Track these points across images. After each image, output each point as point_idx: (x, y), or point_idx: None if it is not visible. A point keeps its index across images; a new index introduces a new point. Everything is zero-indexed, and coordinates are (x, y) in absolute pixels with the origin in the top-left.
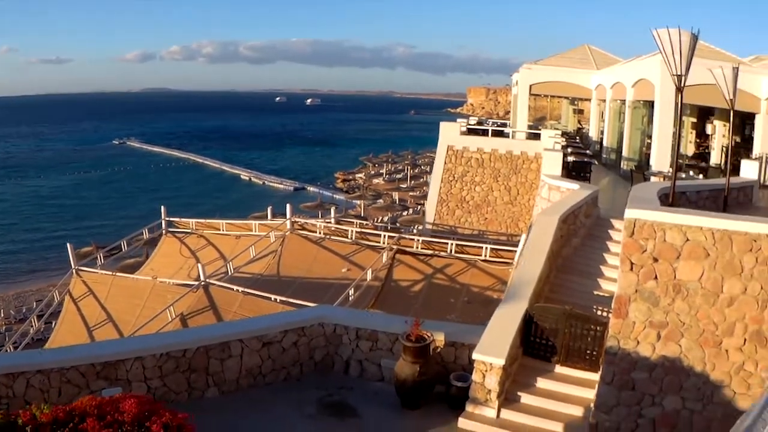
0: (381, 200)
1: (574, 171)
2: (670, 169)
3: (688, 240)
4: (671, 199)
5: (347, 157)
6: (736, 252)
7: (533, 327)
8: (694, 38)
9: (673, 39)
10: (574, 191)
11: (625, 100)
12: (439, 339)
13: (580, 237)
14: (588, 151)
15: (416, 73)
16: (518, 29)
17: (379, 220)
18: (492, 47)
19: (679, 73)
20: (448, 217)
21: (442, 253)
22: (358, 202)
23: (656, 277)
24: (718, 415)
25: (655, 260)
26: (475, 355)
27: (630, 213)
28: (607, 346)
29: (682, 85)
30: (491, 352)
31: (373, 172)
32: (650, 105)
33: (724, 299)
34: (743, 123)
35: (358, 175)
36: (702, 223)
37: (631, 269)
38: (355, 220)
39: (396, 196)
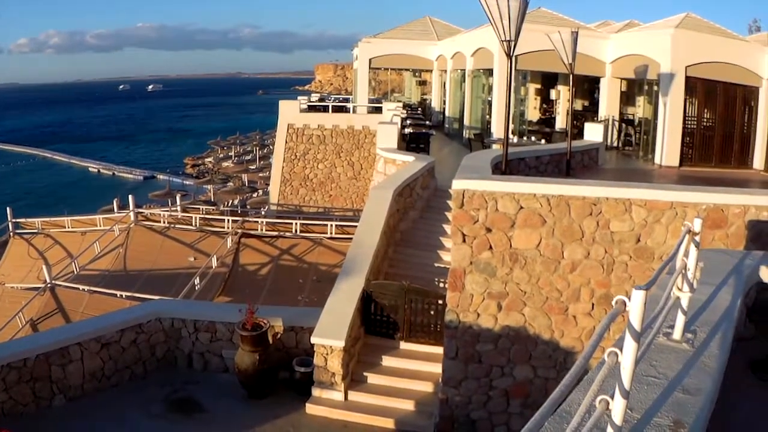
0: (231, 183)
1: (412, 143)
2: (511, 137)
3: (522, 208)
4: (504, 166)
5: (195, 142)
6: (574, 217)
7: (372, 305)
8: (524, 3)
9: (501, 5)
10: (410, 163)
11: (465, 70)
12: (278, 325)
13: (418, 209)
14: (427, 122)
15: (263, 53)
16: (365, 4)
17: (229, 204)
18: (339, 24)
19: (508, 39)
20: (293, 196)
21: (288, 234)
22: (208, 186)
23: (491, 248)
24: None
25: (489, 230)
26: (314, 339)
27: (458, 184)
28: (446, 320)
29: (513, 50)
30: (330, 334)
31: (221, 156)
32: (490, 73)
33: (566, 265)
34: (593, 87)
35: (207, 160)
36: (535, 189)
37: (464, 241)
38: (202, 207)
39: (245, 178)
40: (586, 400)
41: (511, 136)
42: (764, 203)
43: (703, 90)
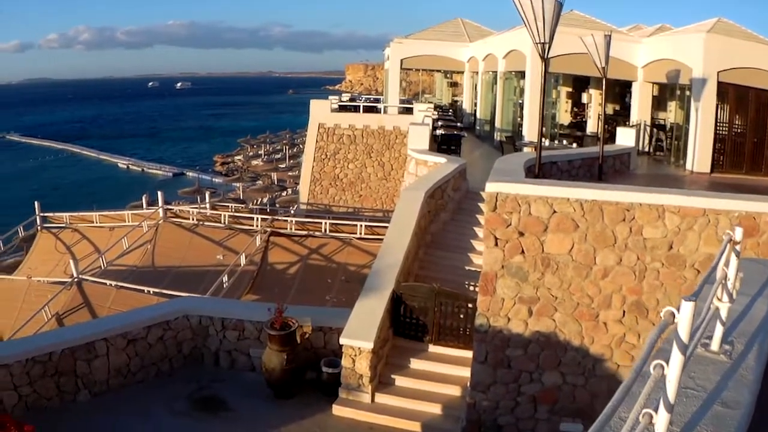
0: (260, 182)
1: (444, 144)
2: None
3: (555, 212)
4: (537, 170)
5: (224, 140)
6: (608, 223)
7: (402, 307)
8: (559, 5)
9: (536, 7)
10: (441, 165)
11: (497, 72)
12: (306, 325)
13: (450, 212)
14: (459, 124)
15: (294, 53)
16: (395, 4)
17: (258, 202)
18: (369, 24)
19: (542, 41)
20: (322, 196)
21: (317, 233)
22: (237, 184)
23: (523, 252)
24: (603, 389)
25: (521, 234)
26: (342, 340)
27: (491, 186)
28: (476, 324)
29: (547, 53)
30: (359, 335)
31: (251, 154)
32: (522, 76)
33: (597, 271)
34: (624, 92)
35: (236, 158)
36: (569, 194)
37: (496, 244)
38: (231, 204)
39: (275, 176)
40: (632, 414)
41: (543, 139)
42: None
43: (734, 96)
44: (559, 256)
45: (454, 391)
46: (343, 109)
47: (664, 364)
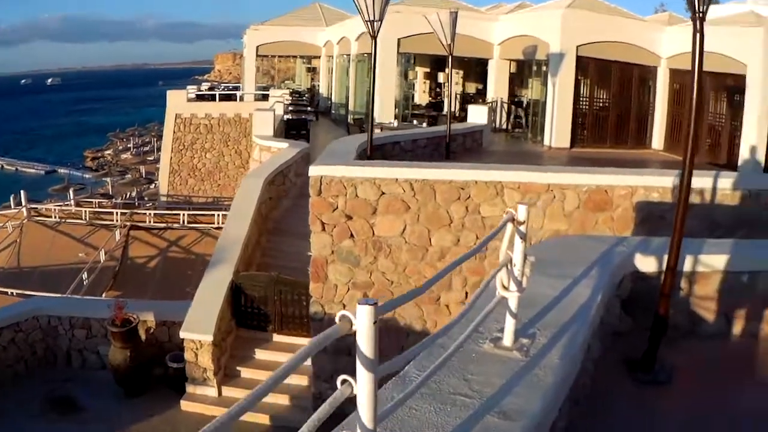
0: (129, 175)
1: (292, 129)
2: (393, 121)
3: (383, 194)
4: (369, 150)
5: (98, 135)
6: (441, 202)
7: (242, 297)
8: None
9: None
10: (284, 150)
11: (350, 55)
12: (149, 319)
13: (292, 197)
14: (309, 108)
15: (168, 44)
16: None
17: (126, 196)
18: (240, 12)
19: (372, 18)
20: (182, 187)
21: (176, 225)
22: (107, 179)
23: (353, 236)
24: None
25: (349, 218)
26: (182, 334)
27: (314, 170)
28: (311, 312)
29: (376, 31)
30: (198, 328)
31: (120, 148)
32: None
33: (434, 253)
34: (485, 70)
35: (106, 152)
36: (397, 174)
37: (324, 229)
38: (95, 200)
39: (143, 169)
40: None
41: (392, 120)
42: (653, 183)
43: (596, 70)
44: (392, 239)
45: (301, 381)
46: (200, 98)
47: (352, 381)
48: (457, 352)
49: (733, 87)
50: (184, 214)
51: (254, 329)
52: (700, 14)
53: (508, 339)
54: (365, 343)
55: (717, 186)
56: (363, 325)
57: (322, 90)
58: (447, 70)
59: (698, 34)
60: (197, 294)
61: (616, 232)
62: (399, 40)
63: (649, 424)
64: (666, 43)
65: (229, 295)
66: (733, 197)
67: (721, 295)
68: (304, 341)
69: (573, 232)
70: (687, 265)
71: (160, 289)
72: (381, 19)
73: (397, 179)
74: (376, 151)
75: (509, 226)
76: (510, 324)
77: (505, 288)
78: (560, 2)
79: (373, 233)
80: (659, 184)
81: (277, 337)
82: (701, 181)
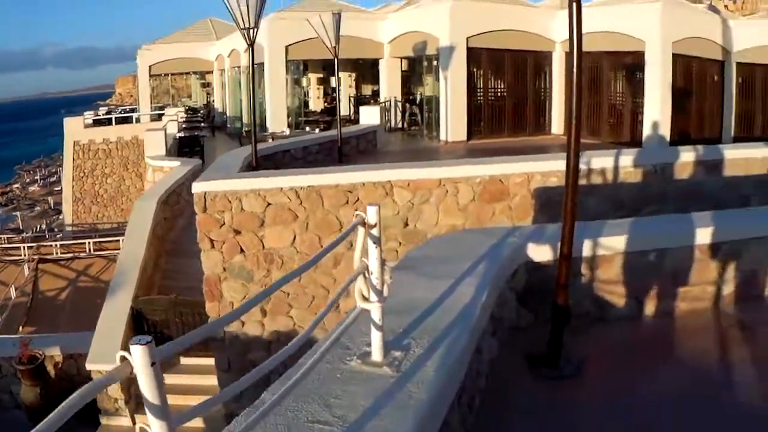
0: (38, 207)
1: (185, 147)
2: (285, 129)
3: (269, 204)
4: (254, 161)
5: (5, 170)
6: (329, 208)
7: (144, 322)
8: None
9: None
10: (175, 169)
11: (240, 67)
12: (55, 354)
13: (187, 216)
14: (203, 124)
15: (67, 71)
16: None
17: (37, 229)
18: (137, 33)
19: (248, 26)
20: (86, 215)
21: (83, 254)
22: (17, 213)
23: (243, 251)
24: None
25: (237, 232)
26: (88, 366)
27: (197, 187)
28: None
29: (253, 39)
30: (103, 359)
31: (28, 180)
32: (263, 67)
33: (327, 260)
34: (378, 70)
35: (14, 186)
36: (281, 183)
37: (213, 246)
38: (5, 236)
39: (51, 200)
40: None
41: (285, 128)
42: (551, 168)
43: (489, 60)
44: (283, 250)
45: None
46: (97, 123)
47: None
48: (321, 372)
49: (632, 65)
50: (89, 243)
51: None
52: None
53: (377, 353)
54: (146, 388)
55: (619, 164)
56: (140, 368)
57: (217, 104)
58: (340, 74)
59: (576, 9)
60: (99, 323)
61: (516, 221)
62: (287, 47)
63: (562, 420)
64: (559, 28)
65: (131, 321)
66: (637, 174)
67: (628, 277)
68: (210, 361)
69: (470, 225)
70: (586, 250)
71: (72, 321)
72: (257, 26)
73: (281, 188)
74: (266, 162)
75: (360, 231)
76: (377, 337)
77: (366, 299)
78: None
79: (264, 246)
80: (556, 168)
81: (183, 360)
82: (603, 161)
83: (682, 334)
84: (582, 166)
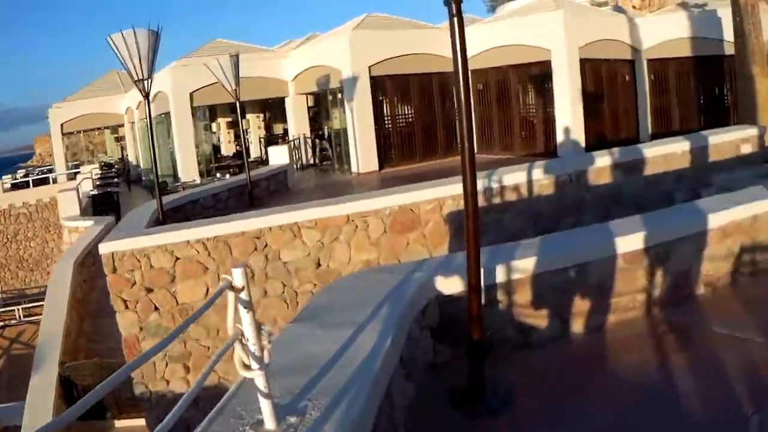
0: None
1: (100, 205)
2: (196, 178)
3: (178, 259)
4: (160, 216)
5: None
6: (238, 256)
7: (74, 388)
8: (155, 36)
9: (129, 43)
10: (89, 228)
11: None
12: None
13: (104, 276)
14: (116, 179)
15: None
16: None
17: None
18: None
19: (142, 77)
20: (14, 280)
21: (13, 321)
22: None
23: (157, 309)
24: None
25: (150, 290)
26: None
27: (104, 247)
28: (136, 393)
29: (148, 90)
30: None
31: None
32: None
33: None
34: (276, 110)
35: None
36: (187, 236)
37: (126, 307)
38: None
39: None
40: None
41: (196, 177)
42: (460, 192)
43: (394, 87)
44: (197, 304)
45: None
46: (15, 187)
47: None
48: None
49: (540, 75)
50: (19, 309)
51: (93, 419)
52: None
53: (269, 422)
54: None
55: (532, 178)
56: None
57: (131, 158)
58: (249, 116)
59: (457, 24)
60: (29, 394)
61: (432, 249)
62: (191, 94)
63: None
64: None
65: (60, 388)
66: (551, 185)
67: (549, 297)
68: (142, 422)
69: (384, 259)
70: (500, 275)
71: (10, 390)
72: (150, 78)
73: (188, 241)
74: (176, 214)
75: (230, 295)
76: (266, 405)
77: (247, 366)
78: (349, 25)
79: (177, 302)
80: None
81: (118, 423)
82: (515, 176)
83: (615, 348)
84: (494, 185)
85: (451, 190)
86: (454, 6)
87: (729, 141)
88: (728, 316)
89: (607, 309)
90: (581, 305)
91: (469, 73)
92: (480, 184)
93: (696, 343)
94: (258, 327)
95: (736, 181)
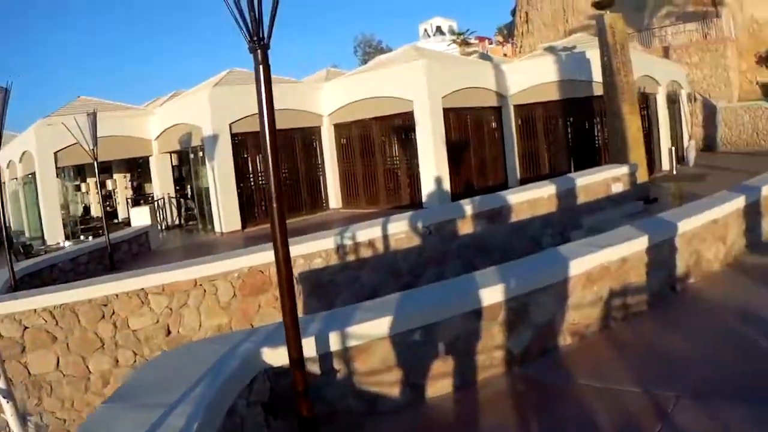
0: None
1: None
2: (61, 241)
3: (27, 328)
4: (12, 282)
5: None
6: (86, 325)
7: None
8: (3, 92)
9: None
10: None
11: (18, 178)
12: None
13: None
14: None
15: None
16: None
17: None
18: None
19: None
20: None
21: None
22: None
23: (10, 380)
24: None
25: (3, 360)
26: None
27: None
28: None
29: None
30: None
31: None
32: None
33: (96, 380)
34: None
35: None
36: (33, 304)
37: None
38: None
39: None
40: None
41: (61, 240)
42: (312, 249)
43: (255, 144)
44: (49, 375)
45: None
46: None
47: None
48: None
49: (404, 126)
50: None
51: None
52: (262, 42)
53: None
54: None
55: (390, 232)
56: None
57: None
58: (115, 176)
59: (261, 66)
60: None
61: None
62: (55, 153)
63: None
64: (326, 100)
65: None
66: (412, 238)
67: (397, 362)
68: None
69: (236, 323)
70: (336, 343)
71: None
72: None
73: (35, 310)
74: (33, 279)
75: None
76: None
77: None
78: (210, 82)
79: (29, 373)
80: (320, 248)
81: None
82: (371, 231)
83: (474, 411)
84: (347, 242)
85: (302, 249)
86: (260, 54)
87: (598, 181)
88: (599, 367)
89: (463, 370)
90: (433, 368)
91: (334, 128)
92: (333, 242)
93: (563, 400)
94: (23, 418)
95: (606, 221)
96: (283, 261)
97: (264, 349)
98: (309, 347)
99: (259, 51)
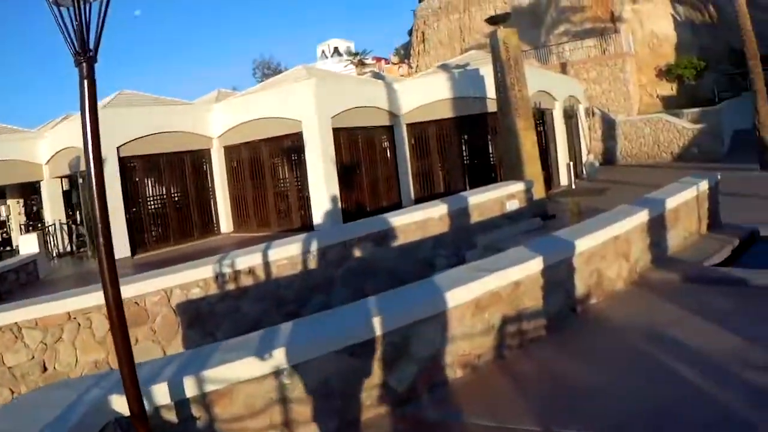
0: None
1: None
2: None
3: None
4: None
5: None
6: None
7: None
8: None
9: None
10: None
11: None
12: None
13: None
14: None
15: None
16: None
17: None
18: None
19: None
20: None
21: None
22: None
23: None
24: None
25: None
26: None
27: None
28: None
29: None
30: None
31: None
32: None
33: None
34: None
35: None
36: None
37: None
38: None
39: None
40: None
41: None
42: (190, 279)
43: (144, 168)
44: None
45: None
46: None
47: None
48: None
49: (293, 147)
50: None
51: None
52: (89, 54)
53: None
54: None
55: (271, 258)
56: None
57: None
58: (9, 202)
59: (86, 81)
60: None
61: (164, 345)
62: None
63: None
64: (216, 122)
65: None
66: (296, 264)
67: (259, 407)
68: None
69: (113, 358)
70: (193, 389)
71: None
72: None
73: None
74: None
75: None
76: None
77: None
78: (101, 104)
79: None
80: (197, 277)
81: None
82: (251, 258)
83: None
84: (226, 270)
85: (179, 278)
86: (85, 67)
87: (492, 199)
88: (494, 401)
89: (335, 413)
90: (301, 412)
91: (224, 150)
92: (211, 270)
93: None
94: None
95: (502, 240)
96: (114, 306)
97: (113, 396)
98: (162, 394)
99: (84, 64)
